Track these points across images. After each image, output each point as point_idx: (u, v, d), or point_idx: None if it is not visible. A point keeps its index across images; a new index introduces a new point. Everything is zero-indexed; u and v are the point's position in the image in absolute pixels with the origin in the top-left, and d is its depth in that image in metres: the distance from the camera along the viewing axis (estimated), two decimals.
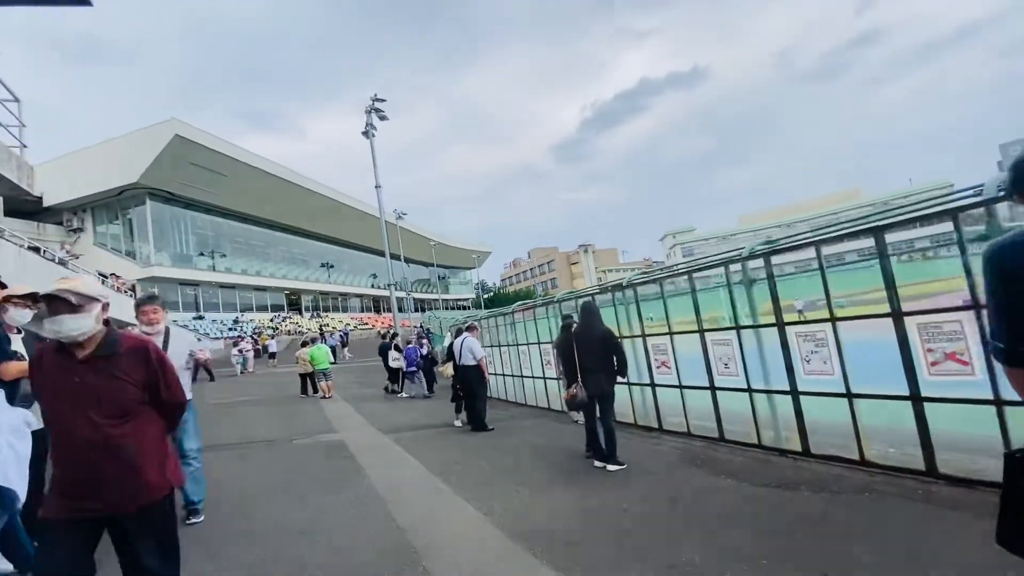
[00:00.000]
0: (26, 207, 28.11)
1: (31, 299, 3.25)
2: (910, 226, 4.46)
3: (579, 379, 5.07)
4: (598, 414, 5.26)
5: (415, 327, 27.07)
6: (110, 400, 1.96)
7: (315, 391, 13.36)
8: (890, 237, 4.34)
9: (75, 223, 36.32)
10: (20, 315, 3.23)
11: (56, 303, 1.92)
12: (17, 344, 3.18)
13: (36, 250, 13.78)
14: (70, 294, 1.93)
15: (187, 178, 36.02)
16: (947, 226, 4.00)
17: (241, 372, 22.70)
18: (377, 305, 62.33)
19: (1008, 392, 3.52)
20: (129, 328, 4.23)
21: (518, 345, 10.85)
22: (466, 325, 8.72)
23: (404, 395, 12.88)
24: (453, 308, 66.81)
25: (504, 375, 11.49)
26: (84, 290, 1.97)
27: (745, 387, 5.66)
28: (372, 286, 60.51)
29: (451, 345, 8.81)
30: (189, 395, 4.23)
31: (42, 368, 2.03)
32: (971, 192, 3.84)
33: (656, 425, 7.01)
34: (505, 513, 3.89)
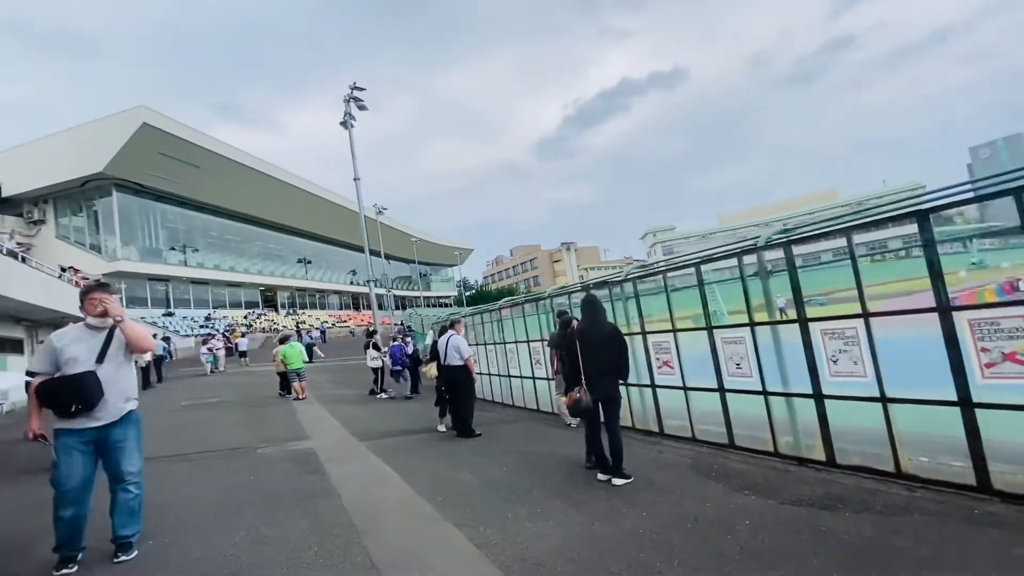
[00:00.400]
0: None
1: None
2: (954, 211, 3.96)
3: (583, 382, 4.47)
4: (602, 420, 4.70)
5: (396, 325, 26.24)
6: None
7: (288, 392, 12.56)
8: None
9: (36, 215, 34.51)
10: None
11: None
12: None
13: None
14: None
15: (156, 169, 34.50)
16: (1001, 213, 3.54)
17: (212, 371, 21.63)
18: (357, 302, 61.06)
19: None
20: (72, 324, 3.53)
21: (505, 343, 10.25)
22: (449, 321, 8.05)
23: (383, 395, 12.16)
24: (435, 305, 65.83)
25: (490, 374, 10.87)
26: None
27: (760, 389, 5.15)
28: (351, 283, 59.22)
29: (435, 344, 8.15)
30: (133, 404, 3.53)
31: None
32: None
33: (656, 429, 6.48)
34: (504, 544, 3.27)
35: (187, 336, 33.41)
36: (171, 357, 29.37)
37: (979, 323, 3.57)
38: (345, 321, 51.22)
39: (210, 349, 22.17)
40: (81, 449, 3.27)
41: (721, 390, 5.55)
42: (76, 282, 19.81)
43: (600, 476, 4.57)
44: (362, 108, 25.12)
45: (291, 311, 50.18)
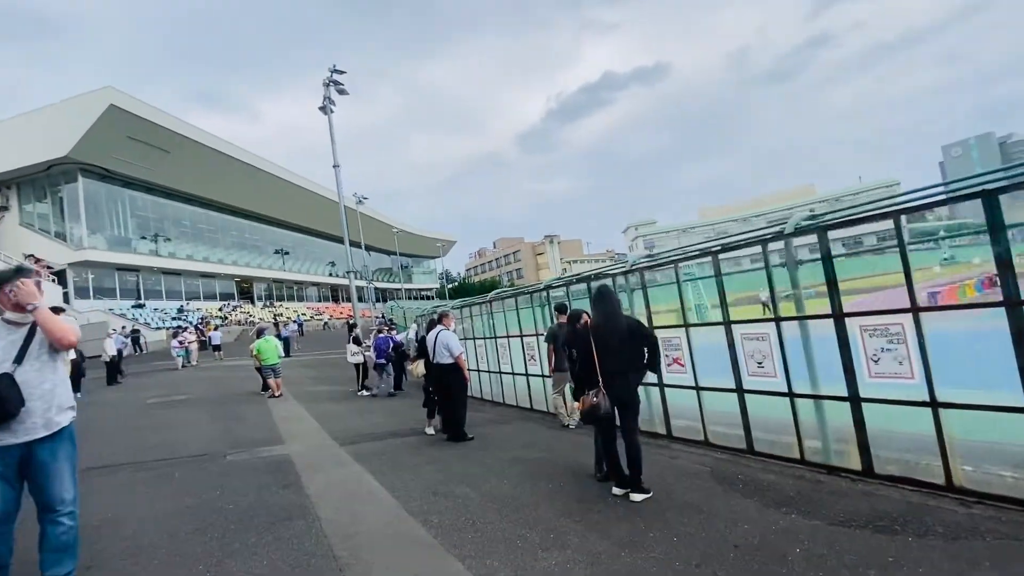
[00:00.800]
0: None
1: None
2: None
3: (599, 383, 3.93)
4: (617, 424, 4.17)
5: (377, 318, 25.45)
6: None
7: (264, 388, 11.79)
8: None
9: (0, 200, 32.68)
10: None
11: None
12: None
13: None
14: None
15: (125, 153, 32.84)
16: None
17: (183, 366, 20.63)
18: (336, 294, 59.76)
19: None
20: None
21: (496, 338, 9.69)
22: (437, 314, 7.44)
23: (365, 393, 11.50)
24: (417, 298, 64.87)
25: (479, 371, 10.31)
26: None
27: (785, 391, 4.70)
28: (331, 275, 57.88)
29: (422, 340, 7.54)
30: (66, 417, 2.89)
31: None
32: None
33: (664, 431, 6.02)
34: None
35: (158, 329, 32.06)
36: (141, 351, 28.23)
37: None
38: (323, 313, 50.02)
39: (181, 343, 21.13)
40: None
41: (739, 391, 5.08)
42: (36, 271, 18.58)
43: (615, 490, 4.06)
44: (342, 92, 24.17)
45: (268, 303, 48.77)
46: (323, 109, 24.13)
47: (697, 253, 5.48)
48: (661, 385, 5.95)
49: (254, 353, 11.72)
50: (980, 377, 3.72)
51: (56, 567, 2.77)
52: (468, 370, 7.27)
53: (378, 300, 45.48)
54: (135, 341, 28.56)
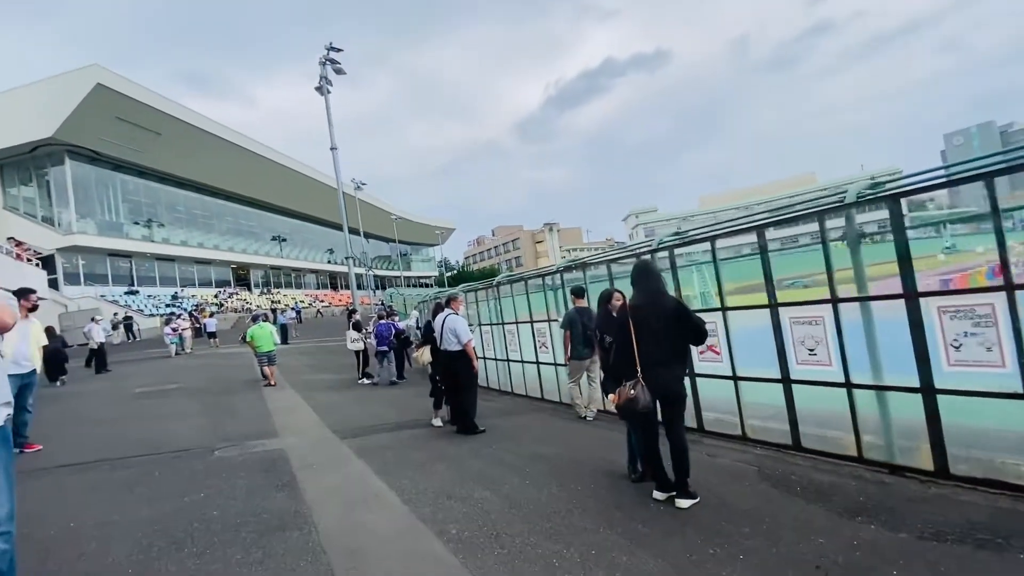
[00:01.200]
0: None
1: None
2: None
3: (638, 374, 3.39)
4: (657, 420, 3.65)
5: (376, 305, 24.88)
6: None
7: (262, 377, 11.25)
8: None
9: None
10: None
11: None
12: None
13: None
14: None
15: (114, 135, 31.93)
16: None
17: (177, 353, 20.04)
18: (335, 282, 59.11)
19: None
20: None
21: (503, 324, 9.15)
22: (445, 298, 6.87)
23: (365, 381, 10.97)
24: (416, 285, 64.23)
25: (486, 359, 9.78)
26: None
27: (842, 381, 4.18)
28: (329, 261, 57.16)
29: (428, 325, 6.98)
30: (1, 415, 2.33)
31: None
32: None
33: (695, 424, 5.49)
34: None
35: (152, 316, 31.45)
36: (134, 338, 27.65)
37: None
38: (321, 300, 49.40)
39: (175, 329, 20.52)
40: None
41: (785, 380, 4.56)
42: (18, 255, 17.90)
43: (656, 494, 3.54)
44: (339, 72, 23.36)
45: (265, 290, 48.10)
46: (319, 89, 23.34)
47: (743, 227, 4.90)
48: (693, 375, 5.41)
49: (248, 339, 11.19)
50: None
51: None
52: (477, 358, 6.74)
53: (377, 287, 44.85)
54: (128, 328, 27.97)
